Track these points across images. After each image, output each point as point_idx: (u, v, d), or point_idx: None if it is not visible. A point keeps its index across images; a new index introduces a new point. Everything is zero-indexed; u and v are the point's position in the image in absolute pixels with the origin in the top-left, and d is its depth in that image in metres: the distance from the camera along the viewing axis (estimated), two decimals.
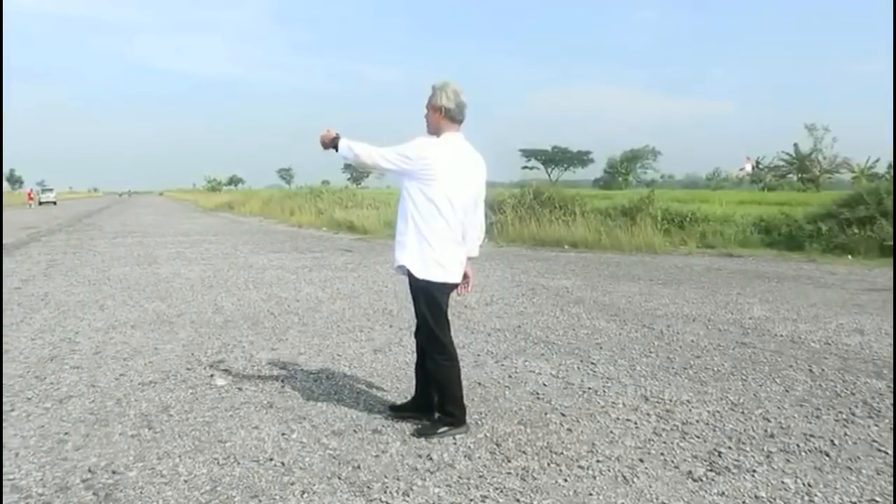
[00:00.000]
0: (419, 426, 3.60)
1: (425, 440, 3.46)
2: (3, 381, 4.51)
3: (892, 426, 3.70)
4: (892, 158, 36.33)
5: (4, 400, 4.14)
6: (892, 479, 3.03)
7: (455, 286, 3.59)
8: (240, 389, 4.35)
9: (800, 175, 52.62)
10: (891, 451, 3.35)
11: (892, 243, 11.78)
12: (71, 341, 5.69)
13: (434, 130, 3.50)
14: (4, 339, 5.70)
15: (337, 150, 3.48)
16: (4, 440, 3.49)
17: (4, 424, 3.72)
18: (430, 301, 3.48)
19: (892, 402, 4.11)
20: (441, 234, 3.39)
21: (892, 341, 5.67)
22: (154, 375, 4.67)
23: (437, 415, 3.62)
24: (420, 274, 3.42)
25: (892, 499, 2.87)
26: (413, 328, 3.78)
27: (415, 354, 3.86)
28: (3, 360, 5.06)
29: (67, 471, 3.11)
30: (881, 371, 4.79)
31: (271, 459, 3.22)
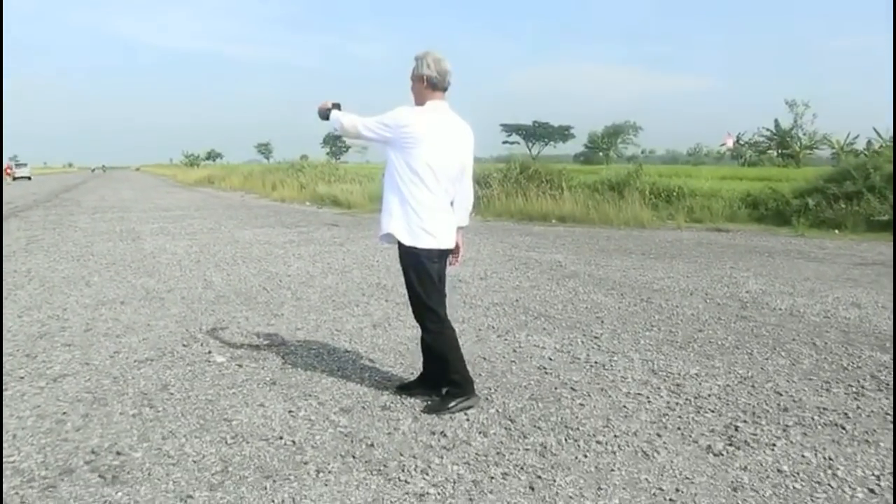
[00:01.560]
0: (429, 402, 3.52)
1: (437, 416, 3.38)
2: None
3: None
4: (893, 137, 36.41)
5: None
6: None
7: (446, 253, 3.54)
8: (240, 366, 4.23)
9: (780, 151, 52.97)
10: None
11: (879, 218, 11.88)
12: (59, 318, 5.52)
13: (419, 100, 3.44)
14: None
15: (328, 121, 3.52)
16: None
17: None
18: (418, 269, 3.41)
19: None
20: (425, 201, 3.35)
21: (890, 315, 5.69)
22: (150, 352, 4.54)
23: (444, 389, 3.55)
24: (407, 241, 3.37)
25: None
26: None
27: (416, 330, 3.78)
28: None
29: (69, 452, 3.00)
30: (884, 344, 4.79)
31: (281, 438, 3.13)
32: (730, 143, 52.68)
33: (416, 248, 3.36)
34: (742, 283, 7.12)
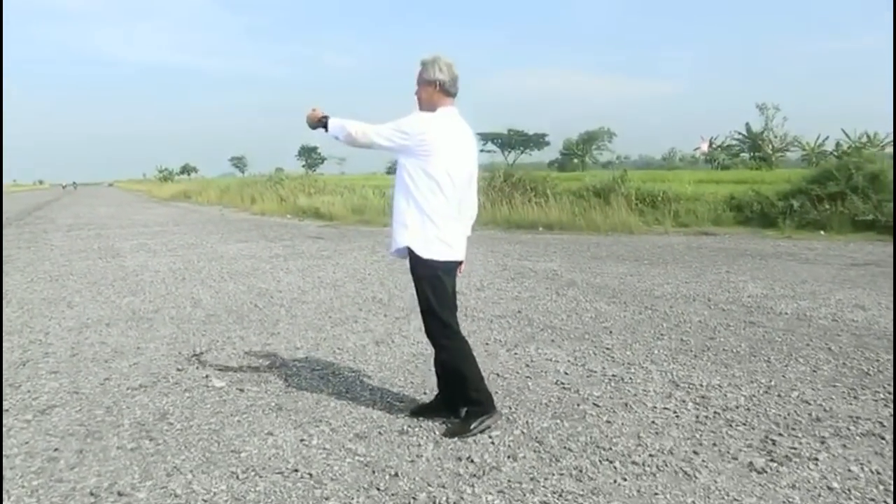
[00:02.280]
0: (449, 426, 3.33)
1: (459, 440, 3.19)
2: None
3: None
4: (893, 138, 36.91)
5: None
6: None
7: (459, 264, 3.39)
8: (241, 391, 4.00)
9: (752, 154, 53.61)
10: None
11: (863, 218, 11.94)
12: (42, 343, 5.23)
13: (428, 106, 3.27)
14: None
15: (326, 130, 3.31)
16: None
17: None
18: (434, 282, 3.25)
19: None
20: (442, 210, 3.21)
21: (893, 316, 5.62)
22: (142, 378, 4.28)
23: (464, 410, 3.36)
24: (425, 254, 3.21)
25: None
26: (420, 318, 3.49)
27: (422, 346, 3.60)
28: None
29: (65, 495, 2.75)
30: None
31: (296, 471, 2.91)
32: (704, 148, 53.19)
33: (433, 261, 3.19)
34: (742, 288, 7.03)
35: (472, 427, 3.26)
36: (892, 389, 3.83)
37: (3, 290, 7.65)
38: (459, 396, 3.37)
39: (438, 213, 3.20)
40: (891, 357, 4.46)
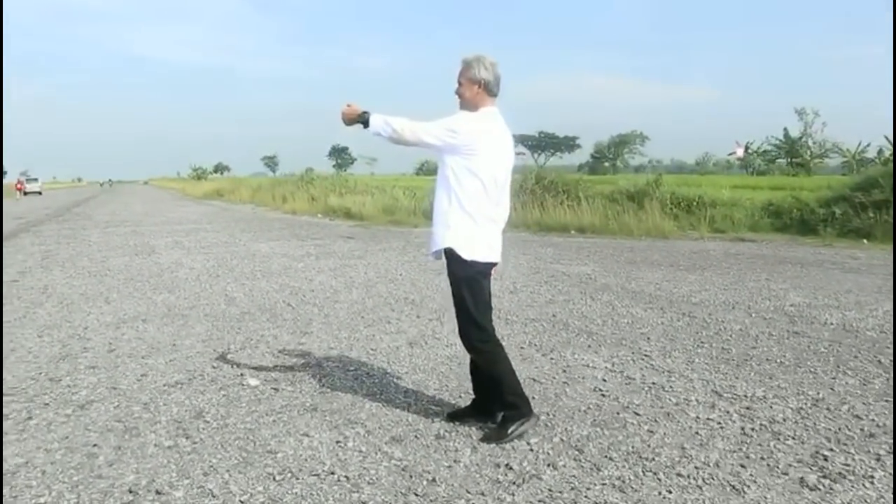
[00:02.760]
0: (486, 431, 3.27)
1: (496, 445, 3.13)
2: (15, 385, 4.12)
3: None
4: (892, 144, 36.17)
5: (20, 406, 3.76)
6: None
7: (495, 265, 3.33)
8: (276, 390, 3.99)
9: (790, 159, 52.61)
10: None
11: None
12: (81, 338, 5.29)
13: (471, 105, 3.21)
14: (10, 337, 5.30)
15: (367, 126, 3.18)
16: (26, 453, 3.12)
17: (24, 436, 3.35)
18: (473, 284, 3.21)
19: None
20: (485, 210, 3.18)
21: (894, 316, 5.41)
22: (179, 375, 4.30)
23: (500, 415, 3.30)
24: (467, 255, 3.16)
25: None
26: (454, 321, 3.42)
27: (456, 349, 3.54)
28: (12, 359, 4.67)
29: (104, 491, 2.75)
30: None
31: (332, 473, 2.87)
32: (740, 153, 52.33)
33: (475, 262, 3.15)
34: (783, 296, 6.85)
35: (509, 432, 3.20)
36: None
37: (45, 286, 7.79)
38: (496, 401, 3.31)
39: (481, 213, 3.16)
40: None
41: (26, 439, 3.30)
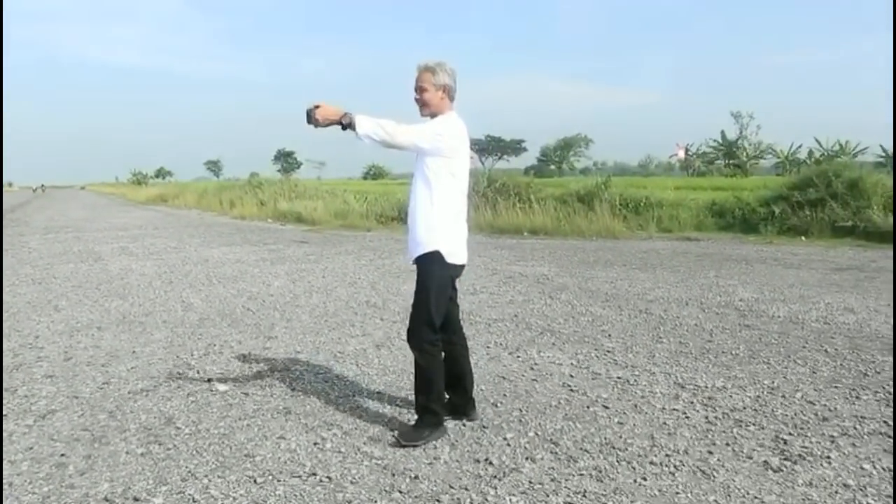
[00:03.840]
0: (399, 432, 3.26)
1: (408, 446, 3.13)
2: None
3: None
4: (893, 145, 37.48)
5: None
6: None
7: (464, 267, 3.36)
8: (246, 395, 3.95)
9: (728, 161, 54.38)
10: None
11: (843, 224, 12.19)
12: (33, 347, 5.12)
13: (436, 111, 3.23)
14: None
15: (347, 128, 2.99)
16: None
17: None
18: (442, 285, 3.21)
19: None
20: (462, 212, 3.26)
21: (887, 319, 5.73)
22: (143, 382, 4.21)
23: (418, 419, 3.30)
24: (449, 257, 3.19)
25: None
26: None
27: None
28: None
29: (79, 501, 2.69)
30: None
31: (314, 474, 2.87)
32: (681, 154, 53.86)
33: (454, 265, 3.20)
34: (732, 292, 7.12)
35: (425, 436, 3.19)
36: (891, 390, 3.90)
37: None
38: (422, 404, 3.27)
39: (460, 215, 3.23)
40: (886, 359, 4.55)
41: None
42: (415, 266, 3.26)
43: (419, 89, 3.21)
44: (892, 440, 3.20)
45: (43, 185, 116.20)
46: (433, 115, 3.23)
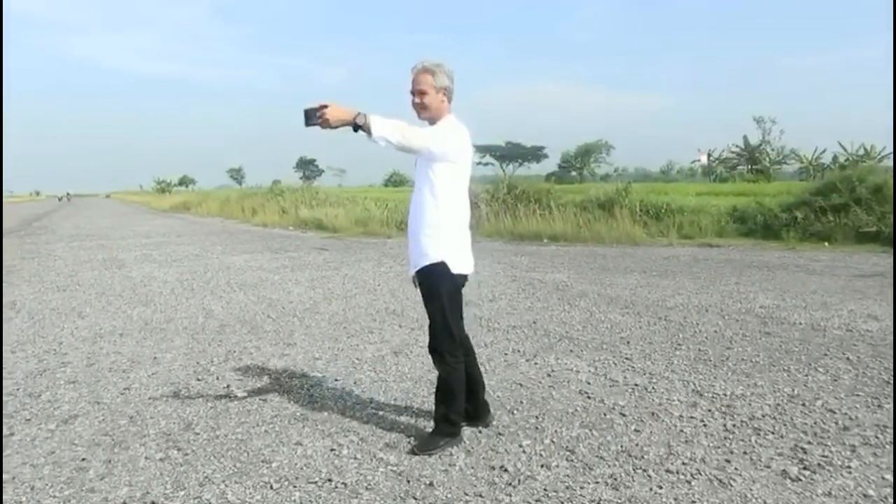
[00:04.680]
0: (416, 442, 3.26)
1: (424, 454, 3.13)
2: None
3: None
4: (893, 148, 37.01)
5: None
6: None
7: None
8: (264, 401, 3.98)
9: (750, 166, 53.83)
10: None
11: (867, 230, 11.99)
12: (57, 353, 5.21)
13: (437, 114, 3.13)
14: None
15: (360, 129, 2.78)
16: (12, 469, 3.08)
17: (8, 452, 3.30)
18: (454, 296, 3.17)
19: None
20: (466, 218, 3.20)
21: (893, 317, 5.64)
22: (163, 388, 4.27)
23: (435, 427, 3.29)
24: (455, 267, 3.14)
25: None
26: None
27: None
28: None
29: None
30: None
31: (330, 480, 2.89)
32: (703, 160, 53.42)
33: (460, 274, 3.17)
34: (753, 298, 7.04)
35: (440, 444, 3.18)
36: None
37: (13, 301, 7.62)
38: (441, 413, 3.26)
39: (465, 221, 3.19)
40: None
41: (10, 455, 3.25)
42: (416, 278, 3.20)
43: (418, 92, 3.10)
44: None
45: (68, 194, 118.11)
46: (432, 120, 3.13)
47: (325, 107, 2.74)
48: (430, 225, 3.11)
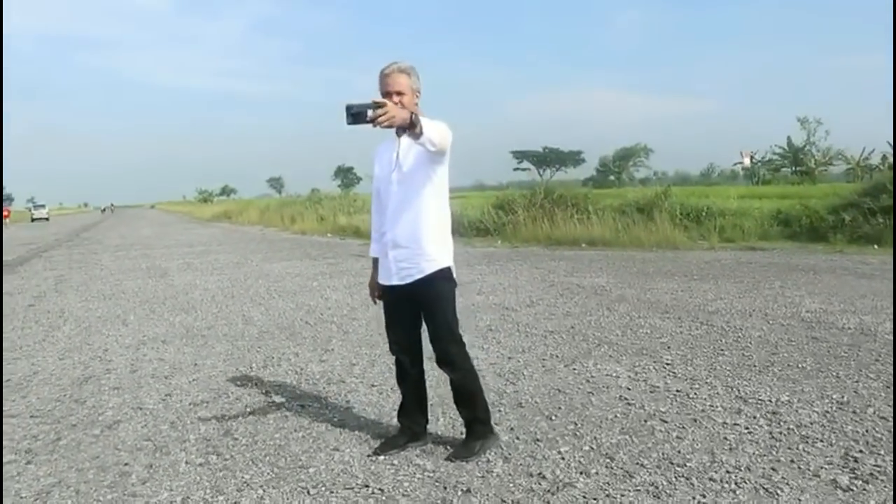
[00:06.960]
0: (453, 450, 3.19)
1: (466, 462, 3.07)
2: (41, 407, 4.16)
3: None
4: (893, 149, 36.20)
5: (48, 427, 3.79)
6: None
7: None
8: (302, 407, 4.01)
9: (794, 168, 52.59)
10: None
11: None
12: (102, 360, 5.34)
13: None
14: (32, 360, 5.35)
15: (410, 129, 2.62)
16: (59, 473, 3.15)
17: (55, 456, 3.38)
18: (454, 300, 3.14)
19: None
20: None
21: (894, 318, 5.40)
22: (203, 394, 4.33)
23: (468, 432, 3.24)
24: (455, 273, 3.12)
25: None
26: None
27: (475, 362, 3.42)
28: (35, 382, 4.71)
29: None
30: None
31: (367, 486, 2.89)
32: (746, 162, 52.34)
33: (456, 282, 3.16)
34: (799, 303, 6.84)
35: (476, 450, 3.12)
36: None
37: (62, 309, 7.85)
38: (468, 416, 3.21)
39: (450, 224, 3.14)
40: None
41: (57, 460, 3.33)
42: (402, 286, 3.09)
43: (396, 94, 2.86)
44: None
45: (112, 205, 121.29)
46: None
47: (381, 105, 2.50)
48: (434, 228, 3.01)
